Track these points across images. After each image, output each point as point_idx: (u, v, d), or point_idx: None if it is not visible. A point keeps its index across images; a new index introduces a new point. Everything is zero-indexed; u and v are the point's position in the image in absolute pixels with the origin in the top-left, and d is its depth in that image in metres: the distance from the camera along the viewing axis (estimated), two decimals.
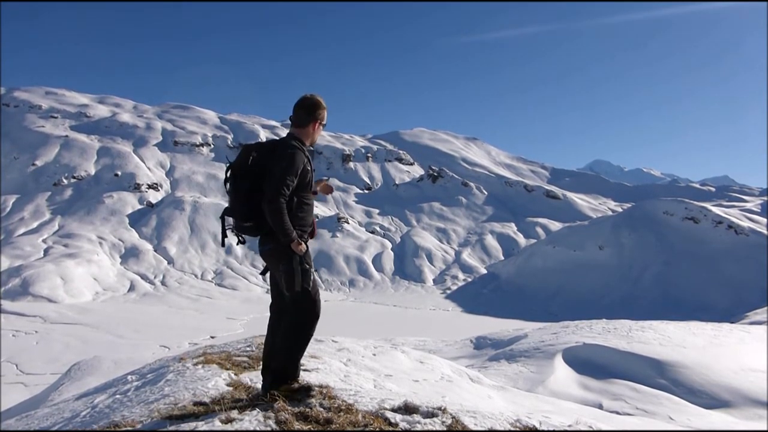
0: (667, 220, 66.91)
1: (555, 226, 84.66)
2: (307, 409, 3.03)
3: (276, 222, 3.16)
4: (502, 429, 2.95)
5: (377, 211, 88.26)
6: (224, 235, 3.40)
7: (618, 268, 63.05)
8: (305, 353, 4.45)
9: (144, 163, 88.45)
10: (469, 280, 70.36)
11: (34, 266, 54.51)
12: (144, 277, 61.43)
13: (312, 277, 3.32)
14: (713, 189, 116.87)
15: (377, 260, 73.31)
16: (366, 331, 36.73)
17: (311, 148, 3.60)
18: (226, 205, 3.41)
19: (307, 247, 3.38)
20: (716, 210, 67.12)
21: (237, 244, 3.40)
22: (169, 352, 31.33)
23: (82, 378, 13.28)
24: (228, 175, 3.35)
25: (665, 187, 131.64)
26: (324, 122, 3.54)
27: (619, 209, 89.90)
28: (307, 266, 3.29)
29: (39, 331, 39.29)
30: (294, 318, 3.32)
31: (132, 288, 58.39)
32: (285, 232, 3.17)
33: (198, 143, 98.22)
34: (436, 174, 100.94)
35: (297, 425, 2.83)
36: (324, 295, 61.69)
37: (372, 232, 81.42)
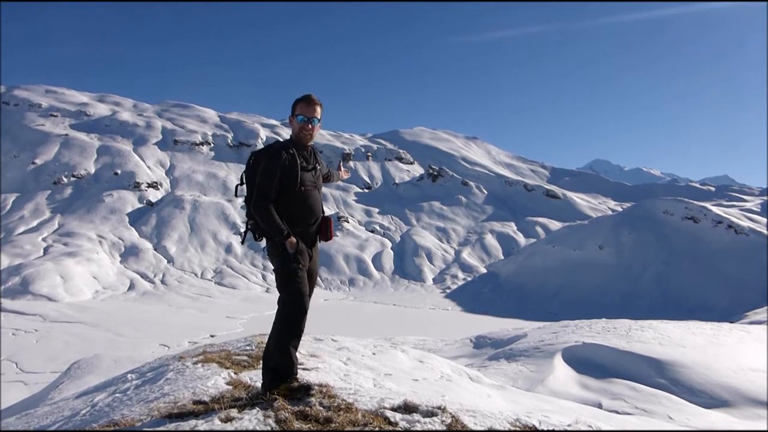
0: (667, 219, 66.91)
1: (555, 225, 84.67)
2: (307, 408, 3.02)
3: (264, 223, 3.37)
4: (501, 428, 2.95)
5: (377, 210, 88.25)
6: (245, 234, 3.64)
7: (618, 268, 63.06)
8: (304, 352, 4.44)
9: (144, 161, 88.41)
10: (469, 279, 70.38)
11: (33, 265, 54.50)
12: (144, 276, 61.43)
13: (299, 275, 3.35)
14: (713, 188, 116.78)
15: (377, 259, 73.33)
16: (366, 330, 36.76)
17: (307, 144, 3.62)
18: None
19: (304, 243, 3.46)
20: (716, 210, 67.11)
21: (256, 240, 3.59)
22: (169, 350, 31.35)
23: (82, 376, 13.29)
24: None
25: (665, 187, 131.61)
26: (297, 113, 3.53)
27: (619, 209, 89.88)
28: (295, 265, 3.34)
29: (39, 329, 39.29)
30: (281, 313, 3.34)
31: (132, 287, 58.39)
32: (274, 230, 3.35)
33: (198, 142, 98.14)
34: (436, 173, 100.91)
35: (296, 424, 2.82)
36: (324, 294, 62.04)
37: (372, 231, 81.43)
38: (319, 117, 3.55)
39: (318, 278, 3.64)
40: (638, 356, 10.94)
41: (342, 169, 4.36)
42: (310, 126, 3.53)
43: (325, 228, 3.60)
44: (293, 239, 3.36)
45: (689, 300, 54.64)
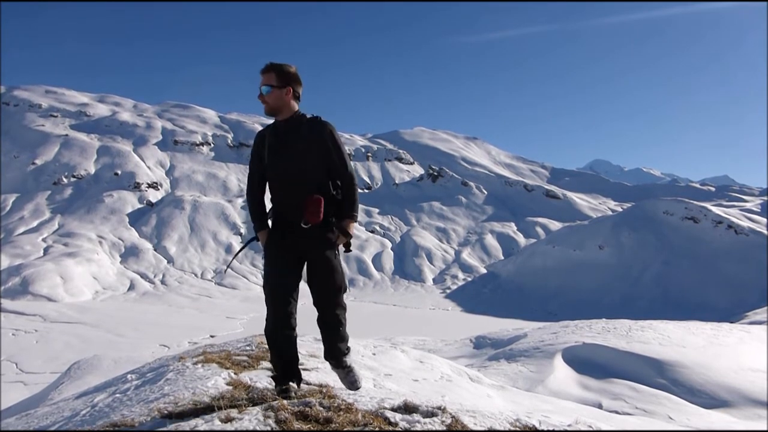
0: (667, 219, 66.94)
1: (555, 225, 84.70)
2: (307, 408, 3.02)
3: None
4: (501, 428, 2.95)
5: (377, 210, 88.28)
6: None
7: (618, 268, 63.09)
8: (304, 352, 4.43)
9: (144, 162, 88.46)
10: (469, 279, 70.39)
11: (33, 265, 54.52)
12: (144, 276, 61.44)
13: (270, 273, 3.14)
14: (713, 189, 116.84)
15: (377, 260, 73.34)
16: (366, 330, 36.71)
17: (271, 115, 3.09)
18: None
19: (289, 228, 3.08)
20: (716, 210, 67.16)
21: None
22: (169, 351, 31.33)
23: (82, 377, 13.28)
24: None
25: (665, 187, 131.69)
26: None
27: (619, 209, 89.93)
28: (267, 268, 3.11)
29: (39, 330, 39.30)
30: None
31: (132, 287, 58.40)
32: (253, 222, 3.17)
33: (198, 142, 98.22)
34: (436, 173, 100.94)
35: (296, 424, 2.82)
36: None
37: (372, 232, 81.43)
38: (272, 83, 2.95)
39: None
40: (638, 356, 10.94)
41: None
42: (260, 96, 3.02)
43: (307, 208, 2.97)
44: (263, 234, 3.13)
45: (689, 300, 54.65)
